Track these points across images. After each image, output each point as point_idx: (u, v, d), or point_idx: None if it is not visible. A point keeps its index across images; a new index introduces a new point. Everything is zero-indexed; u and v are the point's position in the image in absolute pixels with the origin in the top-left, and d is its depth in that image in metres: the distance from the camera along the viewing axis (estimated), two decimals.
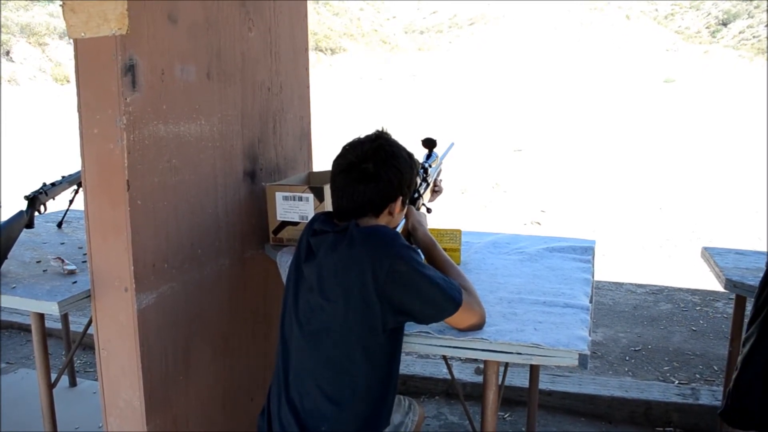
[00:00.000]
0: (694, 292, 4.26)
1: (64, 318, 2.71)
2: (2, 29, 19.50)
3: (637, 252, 5.92)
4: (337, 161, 1.47)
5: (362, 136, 1.51)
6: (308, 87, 2.38)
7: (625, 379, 2.98)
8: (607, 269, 5.00)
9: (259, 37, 1.99)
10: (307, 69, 2.36)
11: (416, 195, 1.73)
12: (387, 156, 1.45)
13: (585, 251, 2.10)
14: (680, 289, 4.32)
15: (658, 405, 2.69)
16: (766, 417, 1.67)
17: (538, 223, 7.31)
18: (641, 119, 14.06)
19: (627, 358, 3.29)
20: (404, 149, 1.50)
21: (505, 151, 11.75)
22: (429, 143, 1.84)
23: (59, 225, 2.37)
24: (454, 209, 7.83)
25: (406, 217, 1.64)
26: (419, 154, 1.78)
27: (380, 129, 1.52)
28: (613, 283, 4.51)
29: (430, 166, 1.82)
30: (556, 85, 18.83)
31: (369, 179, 1.42)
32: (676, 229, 6.68)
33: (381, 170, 1.43)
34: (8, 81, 18.74)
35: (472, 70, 22.16)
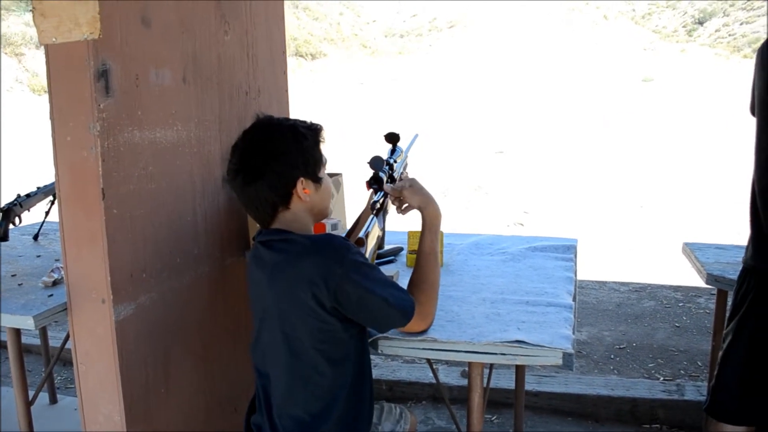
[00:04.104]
0: (676, 288, 4.30)
1: (43, 333, 2.65)
2: None
3: (619, 250, 5.96)
4: (227, 170, 1.41)
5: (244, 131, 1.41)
6: (287, 90, 2.36)
7: (610, 378, 2.98)
8: (590, 268, 5.02)
9: (235, 39, 1.96)
10: (285, 72, 2.34)
11: (382, 193, 1.68)
12: (263, 146, 1.36)
13: (567, 249, 2.10)
14: (663, 286, 4.35)
15: (644, 402, 2.70)
16: (743, 413, 1.69)
17: (521, 224, 7.34)
18: (621, 118, 14.17)
19: (612, 356, 3.30)
20: (284, 126, 1.39)
21: (486, 153, 11.78)
22: (392, 138, 1.75)
23: (35, 237, 2.33)
24: None
25: (413, 196, 1.52)
26: (382, 150, 1.75)
27: (257, 114, 1.44)
28: (597, 282, 4.54)
29: (395, 161, 1.76)
30: (536, 86, 18.94)
31: (254, 179, 1.35)
32: (658, 226, 6.74)
33: (261, 165, 1.34)
34: None
35: (453, 72, 22.24)
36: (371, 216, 1.53)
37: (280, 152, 1.35)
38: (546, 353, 1.33)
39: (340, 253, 1.29)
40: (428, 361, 2.16)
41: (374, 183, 1.56)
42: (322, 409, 1.32)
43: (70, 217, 1.48)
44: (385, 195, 1.59)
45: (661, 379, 2.99)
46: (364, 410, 1.39)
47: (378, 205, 1.56)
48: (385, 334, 1.42)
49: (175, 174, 1.70)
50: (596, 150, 11.44)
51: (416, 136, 2.03)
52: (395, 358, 3.09)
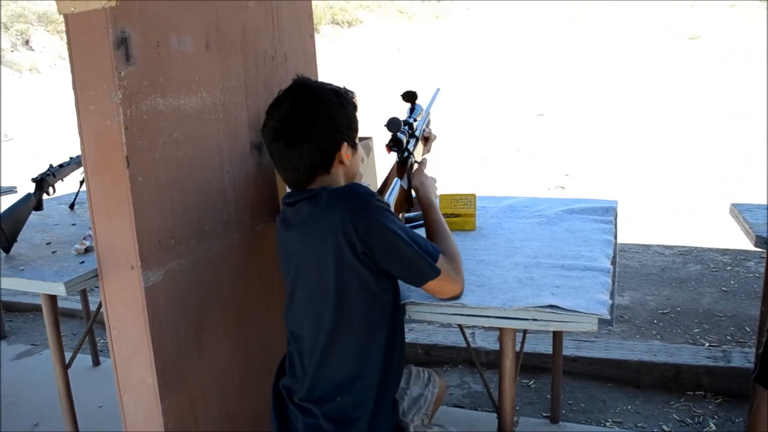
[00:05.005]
0: (724, 251, 4.15)
1: (84, 298, 2.72)
2: (20, 19, 19.67)
3: (664, 213, 5.78)
4: (263, 131, 1.39)
5: (280, 92, 1.40)
6: (314, 55, 2.31)
7: (653, 343, 2.91)
8: (633, 231, 4.90)
9: (259, 4, 1.92)
10: (312, 36, 2.29)
11: (405, 154, 1.65)
12: (311, 107, 1.34)
13: (606, 212, 2.02)
14: (710, 249, 4.22)
15: (688, 369, 2.62)
16: None
17: (563, 188, 7.18)
18: (666, 77, 13.66)
19: (655, 321, 3.22)
20: (329, 89, 1.39)
21: (527, 116, 11.53)
22: (410, 96, 1.72)
23: (71, 206, 2.36)
24: (475, 176, 7.74)
25: (413, 175, 1.57)
26: (401, 110, 1.70)
27: (297, 76, 1.41)
28: (640, 245, 4.42)
29: (414, 120, 1.72)
30: (578, 45, 18.39)
31: (300, 141, 1.33)
32: (705, 187, 6.50)
33: (309, 125, 1.33)
34: (29, 69, 18.91)
35: (492, 35, 21.75)
36: (395, 179, 1.50)
37: (327, 115, 1.35)
38: (580, 319, 1.28)
39: (365, 199, 1.28)
40: (460, 326, 2.13)
41: (394, 145, 1.54)
42: (356, 371, 1.32)
43: (96, 186, 1.48)
44: (408, 155, 1.56)
45: (707, 345, 2.91)
46: (393, 374, 1.37)
47: (400, 166, 1.53)
48: (413, 300, 1.39)
49: (201, 141, 1.69)
50: (640, 110, 11.08)
51: (438, 90, 1.98)
52: (431, 322, 3.07)
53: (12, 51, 19.62)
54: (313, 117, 1.33)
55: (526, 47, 19.07)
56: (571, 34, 19.87)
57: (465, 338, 2.07)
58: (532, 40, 19.78)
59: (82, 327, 3.32)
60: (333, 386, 1.33)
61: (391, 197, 1.49)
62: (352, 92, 1.44)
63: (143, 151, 1.48)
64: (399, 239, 1.26)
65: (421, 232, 1.74)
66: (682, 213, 5.79)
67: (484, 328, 3.00)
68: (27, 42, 20.22)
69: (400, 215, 1.56)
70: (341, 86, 1.43)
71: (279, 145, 1.36)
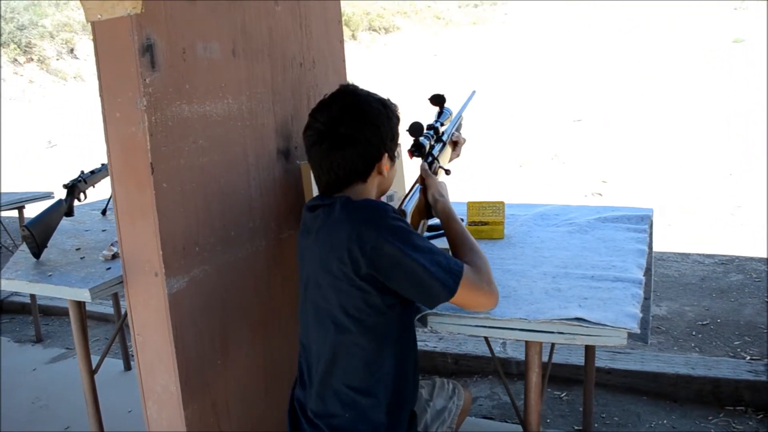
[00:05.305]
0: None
1: (115, 302, 2.75)
2: (65, 28, 20.23)
3: (705, 221, 5.61)
4: (306, 133, 1.37)
5: (326, 96, 1.38)
6: (344, 60, 2.31)
7: (691, 356, 2.82)
8: (673, 240, 4.77)
9: (287, 9, 1.92)
10: (341, 41, 2.28)
11: (430, 159, 1.62)
12: (359, 114, 1.32)
13: (641, 220, 1.96)
14: (752, 259, 4.07)
15: (727, 382, 2.52)
16: None
17: (600, 194, 7.05)
18: (709, 82, 13.34)
19: (694, 332, 3.11)
20: (376, 99, 1.37)
21: (564, 122, 11.37)
22: (437, 100, 1.68)
23: (103, 212, 2.39)
24: (511, 182, 7.65)
25: (427, 188, 1.54)
26: (428, 114, 1.67)
27: (345, 83, 1.40)
28: (679, 254, 4.30)
29: (442, 124, 1.68)
30: (618, 49, 18.09)
31: (346, 145, 1.30)
32: (748, 195, 6.30)
33: (356, 131, 1.30)
34: (74, 77, 19.46)
35: (529, 40, 21.55)
36: (416, 185, 1.48)
37: (374, 124, 1.33)
38: (608, 333, 1.23)
39: (376, 217, 1.24)
40: (485, 337, 2.09)
41: (416, 150, 1.51)
42: (364, 385, 1.28)
43: (122, 192, 1.49)
44: (432, 161, 1.53)
45: (748, 358, 2.80)
46: (408, 387, 1.34)
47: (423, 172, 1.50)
48: (436, 311, 1.36)
49: (227, 147, 1.69)
50: (681, 115, 10.83)
51: (473, 93, 1.94)
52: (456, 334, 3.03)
53: (57, 59, 20.22)
54: (360, 124, 1.32)
55: (564, 51, 18.84)
56: (611, 37, 19.55)
57: (490, 349, 2.02)
58: (571, 45, 19.52)
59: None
60: (340, 402, 1.30)
61: (410, 203, 1.46)
62: (396, 105, 1.43)
63: (168, 158, 1.48)
64: (409, 260, 1.21)
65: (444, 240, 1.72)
66: (724, 221, 5.62)
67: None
68: (72, 50, 20.81)
69: (422, 223, 1.52)
70: (386, 97, 1.42)
71: (321, 148, 1.34)
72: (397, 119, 1.41)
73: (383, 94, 1.45)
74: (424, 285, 1.22)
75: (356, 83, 1.47)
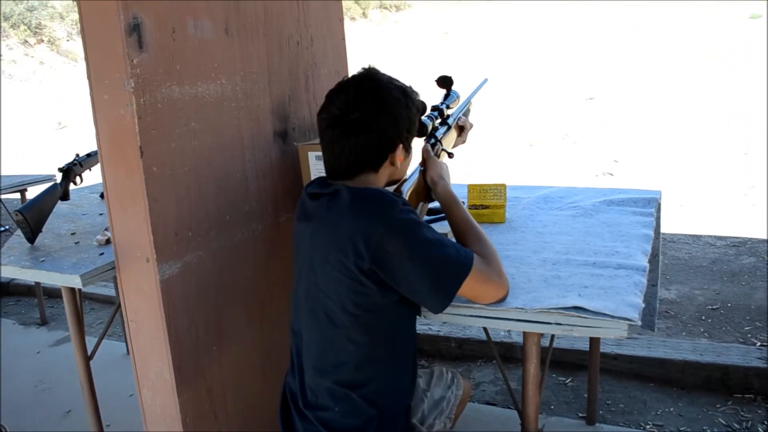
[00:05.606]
0: None
1: (117, 285, 2.73)
2: (75, 9, 20.19)
3: (717, 202, 5.51)
4: (321, 115, 1.31)
5: (346, 78, 1.33)
6: (344, 39, 2.25)
7: (700, 341, 2.76)
8: (684, 221, 4.69)
9: None
10: (341, 19, 2.23)
11: (433, 141, 1.57)
12: (376, 100, 1.26)
13: (648, 203, 1.91)
14: (765, 241, 3.99)
15: (736, 369, 2.47)
16: None
17: (611, 174, 6.95)
18: (724, 59, 13.09)
19: (703, 317, 3.06)
20: (397, 86, 1.31)
21: (576, 100, 11.22)
22: (445, 82, 1.63)
23: (102, 195, 2.36)
24: (521, 162, 7.57)
25: (427, 169, 1.49)
26: (435, 96, 1.62)
27: (366, 66, 1.33)
28: (690, 235, 4.22)
29: (448, 107, 1.63)
30: (631, 26, 17.79)
31: (359, 131, 1.25)
32: (763, 175, 6.18)
33: (371, 119, 1.24)
34: (84, 58, 19.39)
35: (541, 17, 21.26)
36: (417, 167, 1.43)
37: (391, 113, 1.28)
38: (608, 324, 1.18)
39: (385, 210, 1.20)
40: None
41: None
42: (356, 380, 1.25)
43: (112, 176, 1.46)
44: (435, 143, 1.49)
45: (758, 344, 2.74)
46: (403, 385, 1.30)
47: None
48: None
49: (220, 129, 1.65)
50: (695, 93, 10.63)
51: (485, 80, 1.89)
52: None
53: (68, 40, 20.20)
54: (377, 111, 1.26)
55: (577, 29, 18.57)
56: (625, 13, 19.23)
57: (488, 337, 1.98)
58: (584, 22, 19.23)
59: (120, 314, 3.36)
60: (331, 395, 1.27)
61: (408, 184, 1.41)
62: (417, 93, 1.37)
63: (158, 141, 1.44)
64: (416, 258, 1.17)
65: (444, 224, 1.67)
66: (737, 202, 5.52)
67: None
68: None
69: (421, 205, 1.48)
70: (408, 85, 1.36)
71: (335, 133, 1.28)
72: (417, 109, 1.35)
73: (397, 75, 1.39)
74: (431, 280, 1.19)
75: (363, 63, 1.41)
